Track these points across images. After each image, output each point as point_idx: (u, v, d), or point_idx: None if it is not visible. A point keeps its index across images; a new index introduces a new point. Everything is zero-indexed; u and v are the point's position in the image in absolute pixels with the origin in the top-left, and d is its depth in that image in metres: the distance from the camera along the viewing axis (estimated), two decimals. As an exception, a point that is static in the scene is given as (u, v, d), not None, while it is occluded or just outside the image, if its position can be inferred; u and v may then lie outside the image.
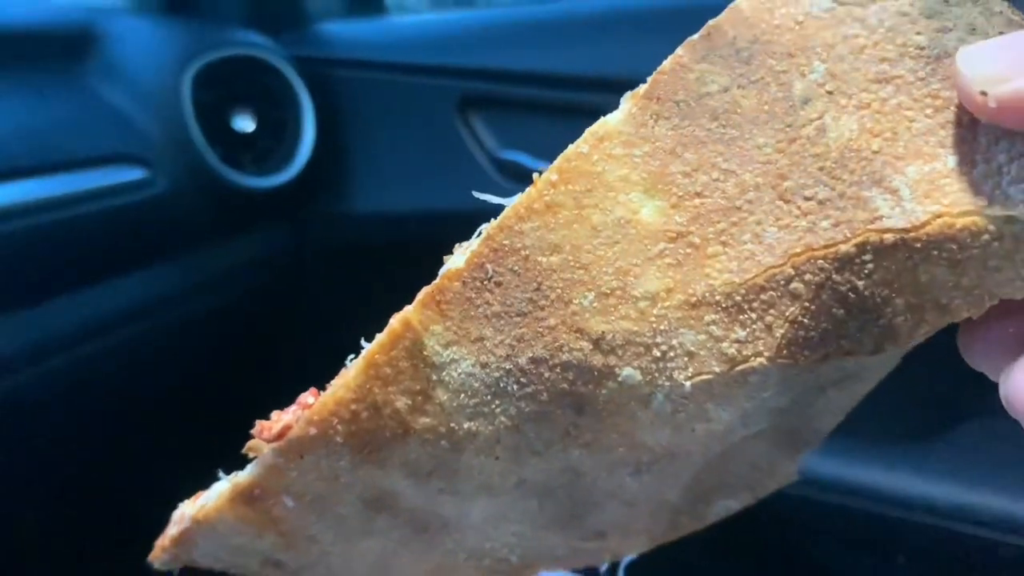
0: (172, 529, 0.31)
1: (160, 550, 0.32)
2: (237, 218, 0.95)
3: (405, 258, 1.02)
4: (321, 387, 0.26)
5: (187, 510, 0.30)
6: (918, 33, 0.20)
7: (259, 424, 0.27)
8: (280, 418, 0.26)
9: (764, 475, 0.31)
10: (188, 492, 1.16)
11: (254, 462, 0.27)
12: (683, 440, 0.25)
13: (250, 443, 0.27)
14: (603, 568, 0.33)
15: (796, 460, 0.31)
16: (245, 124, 0.94)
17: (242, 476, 0.27)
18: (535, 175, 0.23)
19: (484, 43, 0.92)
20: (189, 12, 1.00)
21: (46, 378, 0.81)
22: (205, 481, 1.16)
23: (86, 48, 0.88)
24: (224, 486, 0.28)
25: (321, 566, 0.30)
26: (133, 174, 0.84)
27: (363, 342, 0.26)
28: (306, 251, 1.03)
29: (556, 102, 0.87)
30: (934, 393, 0.79)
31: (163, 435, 1.04)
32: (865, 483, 0.75)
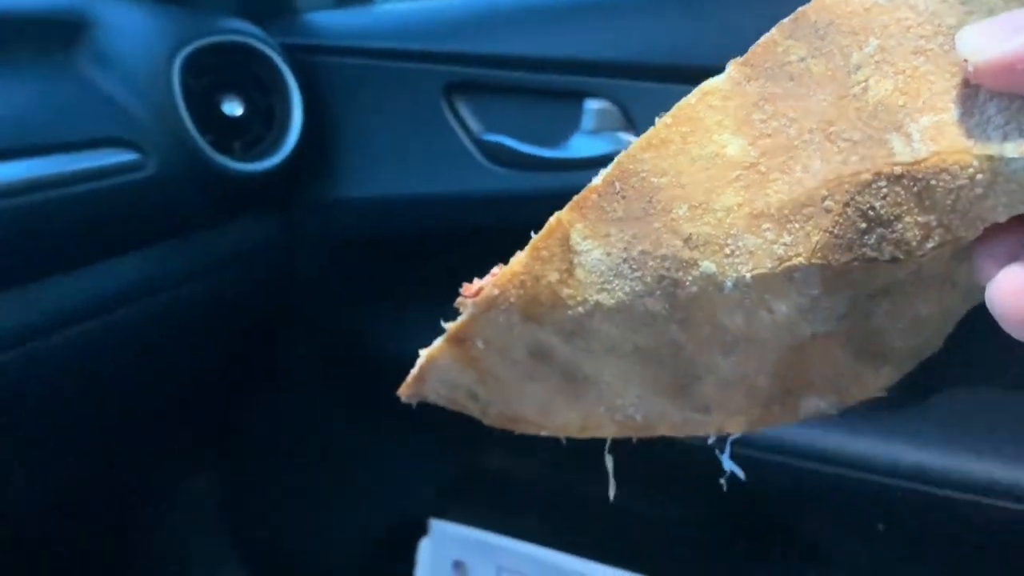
0: (414, 369, 0.40)
1: (406, 386, 0.41)
2: (227, 203, 0.97)
3: (392, 242, 1.04)
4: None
5: (422, 351, 0.39)
6: (950, 16, 0.26)
7: (465, 285, 0.36)
8: (478, 283, 0.35)
9: (849, 381, 0.36)
10: (174, 473, 1.17)
11: (462, 314, 0.36)
12: (754, 326, 0.32)
13: (459, 300, 0.36)
14: (711, 440, 0.40)
15: (881, 374, 0.36)
16: (234, 110, 0.95)
17: (452, 324, 0.37)
18: (656, 118, 0.31)
19: (469, 29, 0.94)
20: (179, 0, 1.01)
21: (31, 359, 0.82)
22: (191, 464, 1.17)
23: (77, 34, 0.89)
24: (443, 334, 0.38)
25: (502, 400, 0.40)
26: (124, 156, 0.86)
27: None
28: (295, 236, 1.04)
29: (540, 86, 0.89)
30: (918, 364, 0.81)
31: (150, 419, 1.05)
32: (844, 450, 0.77)
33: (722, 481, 0.41)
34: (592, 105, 0.84)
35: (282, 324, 1.15)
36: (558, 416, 0.39)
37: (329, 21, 1.05)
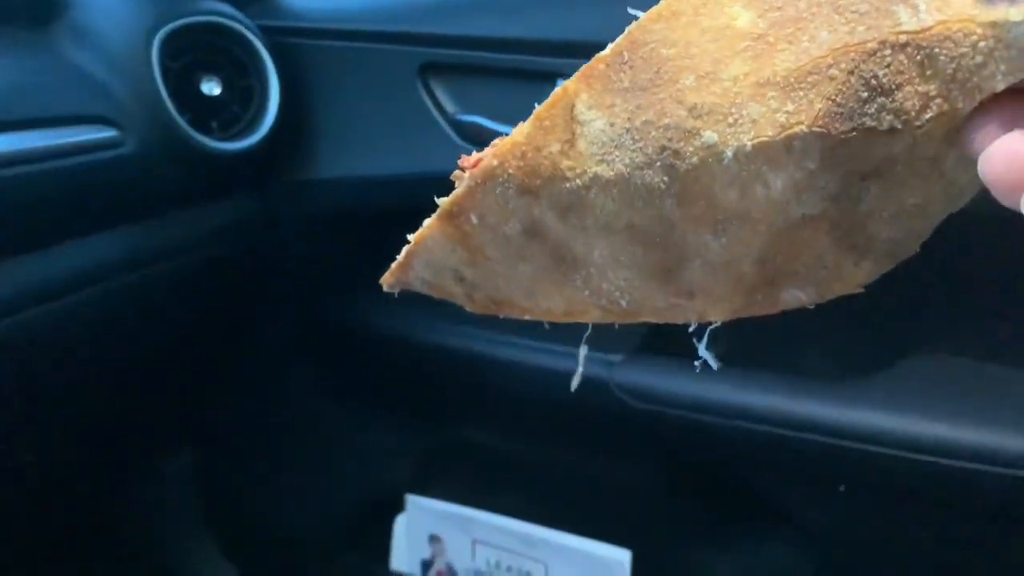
0: (400, 256, 0.39)
1: (390, 274, 0.40)
2: (205, 181, 0.98)
3: (369, 221, 1.05)
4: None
5: (410, 237, 0.38)
6: None
7: (463, 157, 0.35)
8: (476, 155, 0.35)
9: (829, 274, 0.36)
10: (150, 451, 1.18)
11: (457, 187, 0.36)
12: (747, 202, 0.32)
13: (455, 172, 0.36)
14: (692, 328, 0.39)
15: (861, 268, 0.36)
16: (212, 89, 0.96)
17: (446, 199, 0.36)
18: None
19: (444, 10, 0.96)
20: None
21: (5, 335, 0.83)
22: (167, 442, 1.17)
23: (55, 11, 0.90)
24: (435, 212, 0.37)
25: (490, 282, 0.39)
26: (103, 133, 0.87)
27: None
28: (271, 215, 1.05)
29: (514, 66, 0.91)
30: (875, 329, 0.84)
31: (125, 396, 1.06)
32: (807, 415, 0.80)
33: (695, 364, 0.40)
34: (565, 85, 0.86)
35: (258, 302, 1.16)
36: (544, 300, 0.39)
37: (306, 3, 1.07)
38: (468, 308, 0.41)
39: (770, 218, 0.33)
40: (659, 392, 0.86)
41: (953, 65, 0.27)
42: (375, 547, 1.16)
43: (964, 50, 0.27)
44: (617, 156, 0.32)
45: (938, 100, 0.28)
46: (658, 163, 0.31)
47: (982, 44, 0.27)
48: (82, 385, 1.00)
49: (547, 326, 0.40)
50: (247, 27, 0.98)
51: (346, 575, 1.22)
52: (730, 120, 0.30)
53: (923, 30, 0.27)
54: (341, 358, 1.19)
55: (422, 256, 0.39)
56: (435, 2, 0.97)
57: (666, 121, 0.30)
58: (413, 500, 1.11)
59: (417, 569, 1.13)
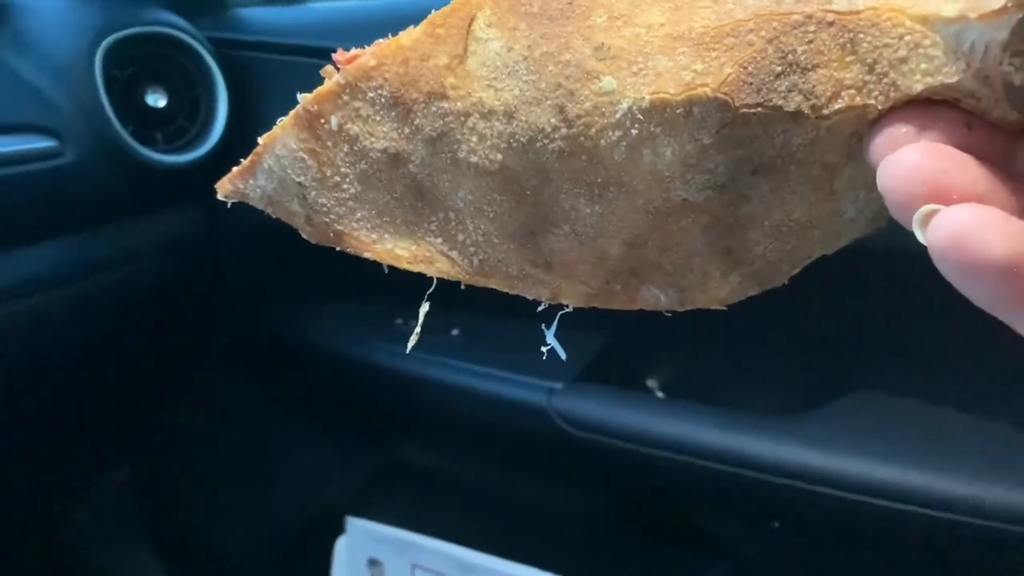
0: (245, 160, 0.36)
1: (227, 179, 0.37)
2: (148, 194, 0.96)
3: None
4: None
5: (260, 139, 0.35)
6: None
7: (339, 50, 0.32)
8: (355, 51, 0.32)
9: (695, 280, 0.34)
10: (90, 466, 1.16)
11: (325, 83, 0.32)
12: (632, 168, 0.30)
13: (325, 68, 0.32)
14: (541, 307, 0.36)
15: (727, 282, 0.34)
16: (157, 101, 0.95)
17: (309, 95, 0.33)
18: None
19: (397, 30, 0.95)
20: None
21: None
22: (107, 457, 1.15)
23: (-4, 17, 0.88)
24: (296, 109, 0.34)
25: (334, 207, 0.35)
26: (42, 143, 0.85)
27: None
28: (218, 228, 1.04)
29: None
30: (812, 367, 0.85)
31: (64, 410, 1.04)
32: (744, 452, 0.79)
33: (543, 349, 0.37)
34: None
35: (200, 315, 1.14)
36: (391, 240, 0.36)
37: (258, 17, 1.06)
38: (304, 235, 0.37)
39: (651, 193, 0.31)
40: (599, 422, 0.86)
41: (875, 55, 0.26)
42: (314, 569, 1.14)
43: (889, 41, 0.26)
44: (507, 85, 0.29)
45: (852, 91, 0.26)
46: (549, 101, 0.29)
47: (908, 38, 0.25)
48: (19, 399, 0.98)
49: (386, 269, 0.36)
50: (196, 39, 0.96)
51: (285, 596, 1.20)
52: (634, 69, 0.28)
53: (852, 12, 0.26)
54: (283, 375, 1.17)
55: (268, 163, 0.35)
56: (388, 21, 0.97)
57: (567, 57, 0.28)
58: (353, 523, 1.10)
59: (356, 592, 1.12)
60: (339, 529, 1.12)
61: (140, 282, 1.01)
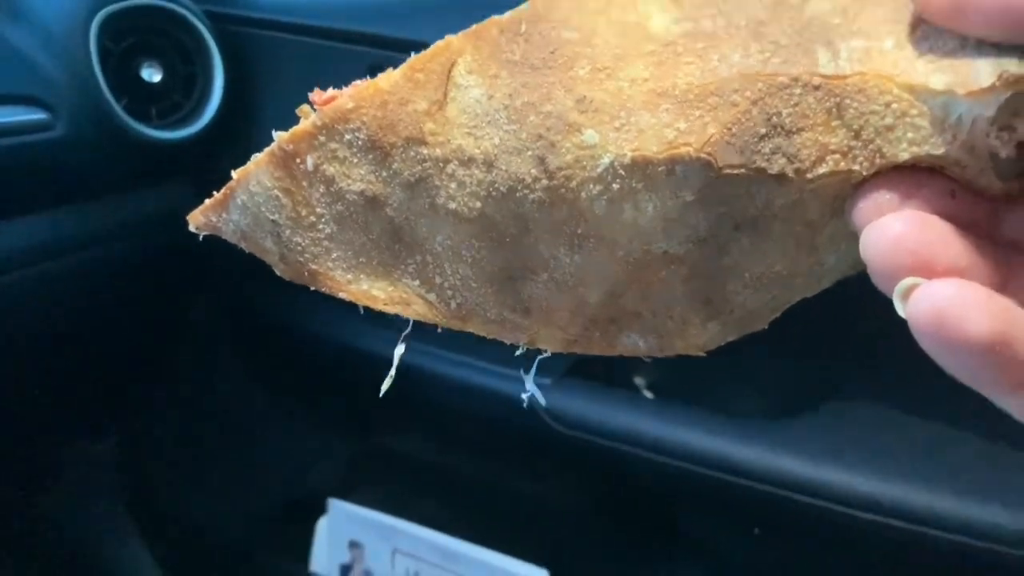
0: (218, 193, 0.35)
1: (200, 212, 0.35)
2: (139, 169, 0.95)
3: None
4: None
5: (235, 172, 0.34)
6: None
7: (316, 90, 0.31)
8: (332, 91, 0.31)
9: (675, 327, 0.34)
10: (72, 439, 1.15)
11: (301, 122, 0.32)
12: (612, 221, 0.29)
13: (302, 107, 0.31)
14: (519, 351, 0.35)
15: (707, 329, 0.33)
16: (152, 76, 0.93)
17: (284, 133, 0.32)
18: None
19: (396, 12, 0.94)
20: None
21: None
22: (90, 430, 1.14)
23: (-11, -14, 0.87)
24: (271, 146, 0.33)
25: (309, 247, 0.34)
26: (32, 115, 0.84)
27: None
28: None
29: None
30: (797, 376, 0.85)
31: (48, 382, 1.04)
32: (728, 457, 0.80)
33: (523, 396, 0.36)
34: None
35: (190, 293, 1.14)
36: (367, 281, 0.35)
37: (259, -7, 1.04)
38: (278, 271, 0.36)
39: (631, 246, 0.30)
40: (585, 419, 0.85)
41: (861, 121, 0.25)
42: (295, 548, 1.15)
43: (876, 108, 0.25)
44: (488, 133, 0.29)
45: (836, 156, 0.26)
46: (529, 152, 0.28)
47: (895, 106, 0.25)
48: (4, 369, 0.97)
49: (361, 310, 0.35)
50: (193, 13, 0.95)
51: (265, 573, 1.20)
52: (616, 123, 0.27)
53: (839, 77, 0.25)
54: (271, 355, 1.17)
55: (242, 198, 0.34)
56: (386, 4, 0.95)
57: (549, 108, 0.28)
58: (335, 504, 1.10)
59: (336, 573, 1.12)
60: (321, 510, 1.12)
61: (128, 257, 1.00)
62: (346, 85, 0.98)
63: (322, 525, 1.12)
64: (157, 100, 0.95)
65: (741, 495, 0.80)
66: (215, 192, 0.35)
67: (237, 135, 0.99)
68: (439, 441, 1.07)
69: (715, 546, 0.89)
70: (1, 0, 0.87)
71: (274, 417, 1.17)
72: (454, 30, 0.97)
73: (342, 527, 1.10)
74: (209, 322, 1.16)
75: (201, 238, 0.38)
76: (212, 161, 1.00)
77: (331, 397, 1.12)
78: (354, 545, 1.10)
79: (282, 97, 0.99)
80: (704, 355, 0.34)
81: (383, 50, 0.93)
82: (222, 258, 1.11)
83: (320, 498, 1.11)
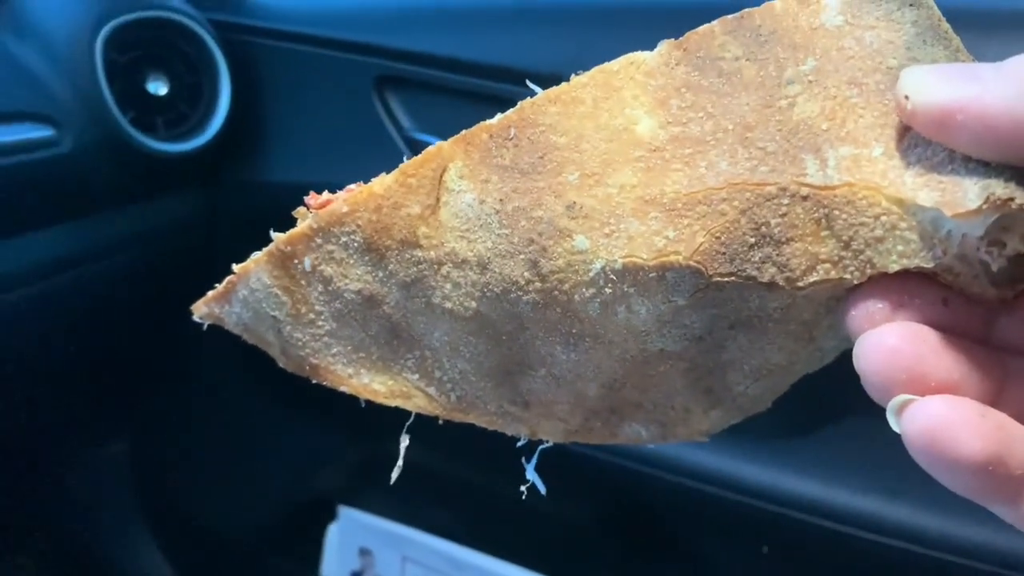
0: (220, 285, 0.36)
1: (203, 302, 0.37)
2: (147, 182, 0.95)
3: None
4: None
5: (236, 267, 0.35)
6: (894, 57, 0.26)
7: (312, 194, 0.32)
8: (328, 195, 0.32)
9: (677, 416, 0.34)
10: (85, 441, 1.15)
11: (298, 224, 0.33)
12: (607, 322, 0.30)
13: (298, 209, 0.32)
14: (521, 443, 0.36)
15: (709, 417, 0.34)
16: (158, 89, 0.93)
17: (283, 235, 0.33)
18: (573, 75, 0.29)
19: (404, 24, 0.93)
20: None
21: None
22: (103, 433, 1.14)
23: (-5, 1, 0.86)
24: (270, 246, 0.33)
25: (309, 343, 0.35)
26: (39, 132, 0.83)
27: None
28: (217, 215, 1.03)
29: (470, 88, 0.88)
30: (805, 394, 0.84)
31: (62, 390, 1.04)
32: (736, 476, 0.79)
33: (523, 488, 0.37)
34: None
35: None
36: (367, 375, 0.35)
37: (266, 1, 1.03)
38: (280, 364, 0.37)
39: (627, 345, 0.30)
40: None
41: (850, 232, 0.25)
42: (306, 552, 1.15)
43: (865, 220, 0.25)
44: (480, 237, 0.29)
45: (827, 265, 0.26)
46: (522, 255, 0.29)
47: (884, 218, 0.25)
48: (20, 378, 0.98)
49: (363, 403, 0.36)
50: (199, 23, 0.94)
51: (276, 576, 1.22)
52: (606, 230, 0.27)
53: (827, 187, 0.25)
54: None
55: (243, 293, 0.35)
56: (395, 15, 0.95)
57: (539, 213, 0.28)
58: (346, 512, 1.10)
59: (346, 579, 1.13)
60: (331, 516, 1.12)
61: (138, 268, 1.00)
62: (353, 97, 0.97)
63: (333, 532, 1.12)
64: (163, 112, 0.94)
65: (747, 514, 0.79)
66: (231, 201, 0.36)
67: (244, 146, 0.99)
68: (448, 449, 1.07)
69: (720, 565, 0.89)
70: (6, 16, 0.86)
71: (285, 421, 1.17)
72: (460, 42, 0.96)
73: (352, 534, 1.11)
74: (219, 328, 1.17)
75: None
76: (221, 170, 1.00)
77: (341, 403, 1.12)
78: (364, 552, 1.10)
79: (289, 107, 0.98)
80: (706, 440, 0.34)
81: (390, 61, 0.92)
82: (231, 265, 1.12)
83: (330, 502, 1.12)
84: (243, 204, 1.03)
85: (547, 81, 0.30)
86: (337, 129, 0.97)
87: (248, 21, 0.99)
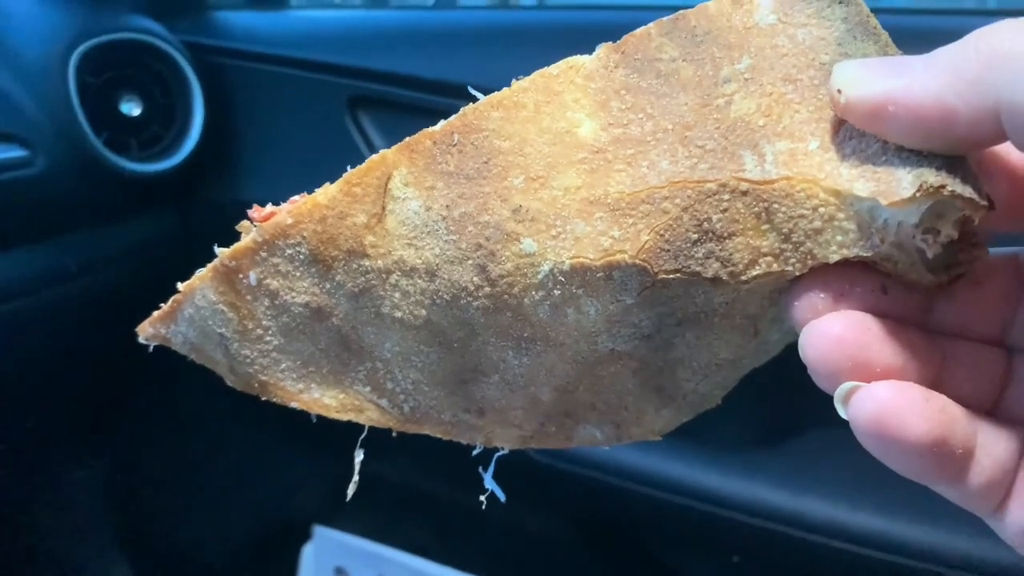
0: (165, 305, 0.35)
1: (148, 323, 0.36)
2: (121, 202, 0.95)
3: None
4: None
5: (180, 286, 0.34)
6: (826, 53, 0.27)
7: (255, 207, 0.31)
8: (271, 208, 0.31)
9: (630, 416, 0.34)
10: (60, 464, 1.14)
11: (241, 239, 0.32)
12: (557, 324, 0.30)
13: (242, 223, 0.32)
14: (477, 451, 0.36)
15: (661, 415, 0.34)
16: (131, 110, 0.93)
17: (226, 249, 0.32)
18: (514, 80, 0.30)
19: (377, 46, 0.94)
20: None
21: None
22: (77, 456, 1.13)
23: (-34, 23, 0.87)
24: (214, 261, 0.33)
25: (257, 359, 0.34)
26: (12, 152, 0.84)
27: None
28: (191, 237, 1.03)
29: (441, 108, 0.90)
30: (776, 406, 0.85)
31: (36, 411, 1.04)
32: (707, 487, 0.80)
33: (482, 499, 0.36)
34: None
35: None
36: (317, 389, 0.35)
37: (239, 22, 1.04)
38: (229, 382, 0.36)
39: (578, 346, 0.30)
40: (567, 449, 0.86)
41: (790, 224, 0.26)
42: (282, 573, 1.15)
43: (804, 212, 0.26)
44: (428, 243, 0.29)
45: (768, 258, 0.26)
46: (470, 261, 0.29)
47: (822, 210, 0.25)
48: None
49: (314, 419, 0.35)
50: (172, 45, 0.95)
51: (251, 598, 1.21)
52: (553, 232, 0.28)
53: (766, 182, 0.26)
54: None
55: (188, 311, 0.35)
56: (367, 37, 0.96)
57: (486, 218, 0.28)
58: (320, 531, 1.10)
59: (322, 599, 1.13)
60: (306, 536, 1.12)
61: (112, 288, 1.00)
62: (326, 117, 0.97)
63: (308, 552, 1.12)
64: (137, 133, 0.95)
65: (719, 524, 0.80)
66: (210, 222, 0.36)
67: (218, 166, 0.99)
68: (424, 468, 1.07)
69: (693, 575, 0.90)
70: (-21, 38, 0.87)
71: (260, 442, 1.17)
72: (432, 63, 0.97)
73: (327, 554, 1.10)
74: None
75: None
76: (194, 191, 1.00)
77: (316, 423, 1.13)
78: (340, 572, 1.10)
79: (263, 128, 0.99)
80: (659, 438, 0.35)
81: (362, 81, 0.93)
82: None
83: (306, 523, 1.11)
84: (217, 224, 1.03)
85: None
86: (310, 149, 0.98)
87: (221, 43, 1.00)
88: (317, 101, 0.96)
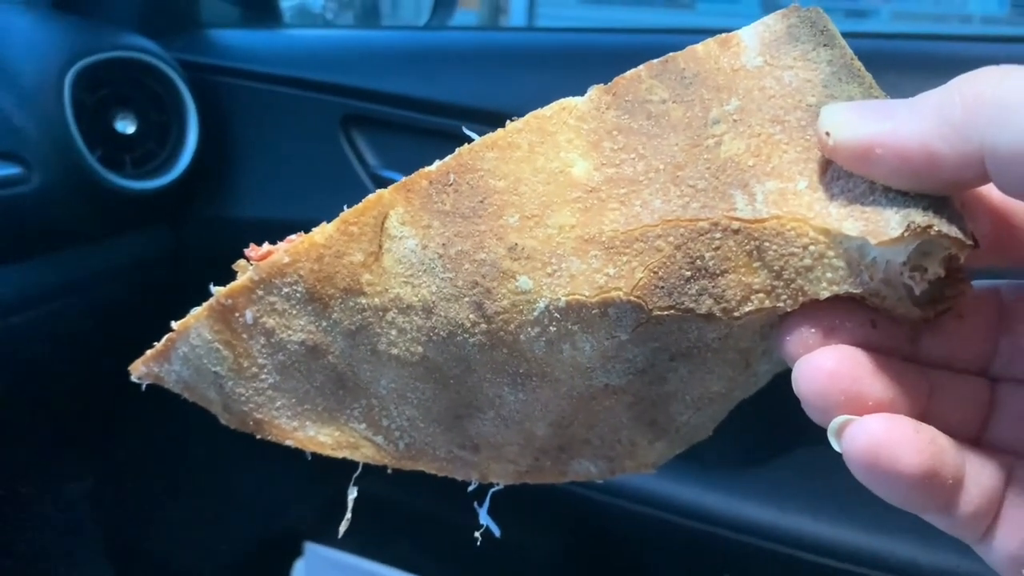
0: (159, 343, 0.35)
1: (141, 362, 0.36)
2: (115, 219, 0.96)
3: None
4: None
5: (175, 324, 0.34)
6: (812, 95, 0.27)
7: (252, 246, 0.32)
8: (268, 247, 0.32)
9: (624, 450, 0.35)
10: (49, 480, 1.14)
11: (238, 277, 0.32)
12: (552, 361, 0.30)
13: (239, 262, 0.32)
14: (472, 487, 0.36)
15: (654, 448, 0.34)
16: (126, 128, 0.94)
17: (223, 288, 0.33)
18: (508, 121, 0.30)
19: (370, 65, 0.95)
20: (77, 10, 1.00)
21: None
22: (67, 472, 1.13)
23: (-38, 40, 0.87)
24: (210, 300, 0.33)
25: (252, 398, 0.35)
26: (7, 169, 0.84)
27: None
28: (183, 251, 1.04)
29: (435, 127, 0.91)
30: (766, 424, 0.86)
31: (27, 426, 1.04)
32: (697, 504, 0.81)
33: (477, 535, 0.36)
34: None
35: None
36: (313, 427, 0.35)
37: (233, 40, 1.05)
38: (223, 421, 0.36)
39: (573, 382, 0.31)
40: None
41: (781, 262, 0.26)
42: (272, 589, 1.15)
43: (795, 250, 0.26)
44: (424, 281, 0.29)
45: (761, 295, 0.27)
46: (466, 298, 0.29)
47: (812, 248, 0.26)
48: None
49: (309, 456, 0.35)
50: (167, 63, 0.96)
51: (241, 615, 1.20)
52: (548, 270, 0.28)
53: (757, 220, 0.26)
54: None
55: (183, 350, 0.35)
56: (361, 56, 0.97)
57: (482, 256, 0.29)
58: (312, 548, 1.10)
59: (312, 616, 1.12)
60: (297, 553, 1.12)
61: (106, 304, 1.00)
62: (320, 136, 0.98)
63: (299, 569, 1.12)
64: (132, 150, 0.95)
65: (708, 541, 0.81)
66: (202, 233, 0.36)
67: (212, 183, 1.00)
68: (416, 485, 1.07)
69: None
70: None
71: (250, 458, 1.17)
72: (424, 82, 0.98)
73: (318, 571, 1.10)
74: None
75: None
76: (188, 208, 1.01)
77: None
78: (330, 588, 1.10)
79: (257, 146, 1.00)
80: (653, 471, 0.35)
81: (356, 100, 0.94)
82: (198, 301, 1.12)
83: (296, 539, 1.11)
84: (211, 241, 1.04)
85: (509, 117, 0.30)
86: (304, 167, 0.98)
87: (216, 61, 1.01)
88: (311, 119, 0.97)
